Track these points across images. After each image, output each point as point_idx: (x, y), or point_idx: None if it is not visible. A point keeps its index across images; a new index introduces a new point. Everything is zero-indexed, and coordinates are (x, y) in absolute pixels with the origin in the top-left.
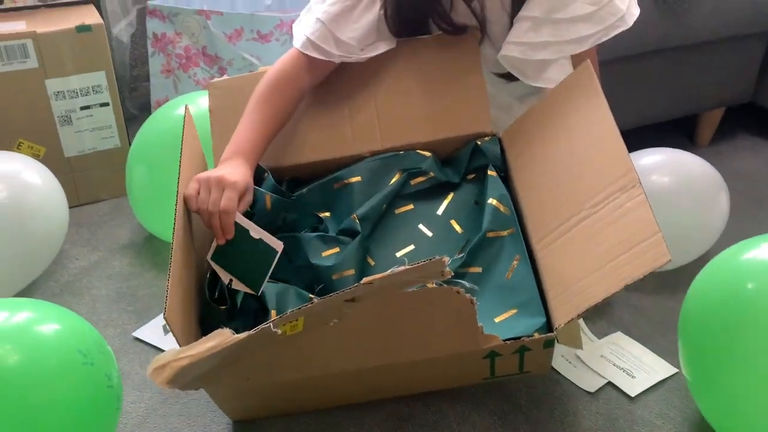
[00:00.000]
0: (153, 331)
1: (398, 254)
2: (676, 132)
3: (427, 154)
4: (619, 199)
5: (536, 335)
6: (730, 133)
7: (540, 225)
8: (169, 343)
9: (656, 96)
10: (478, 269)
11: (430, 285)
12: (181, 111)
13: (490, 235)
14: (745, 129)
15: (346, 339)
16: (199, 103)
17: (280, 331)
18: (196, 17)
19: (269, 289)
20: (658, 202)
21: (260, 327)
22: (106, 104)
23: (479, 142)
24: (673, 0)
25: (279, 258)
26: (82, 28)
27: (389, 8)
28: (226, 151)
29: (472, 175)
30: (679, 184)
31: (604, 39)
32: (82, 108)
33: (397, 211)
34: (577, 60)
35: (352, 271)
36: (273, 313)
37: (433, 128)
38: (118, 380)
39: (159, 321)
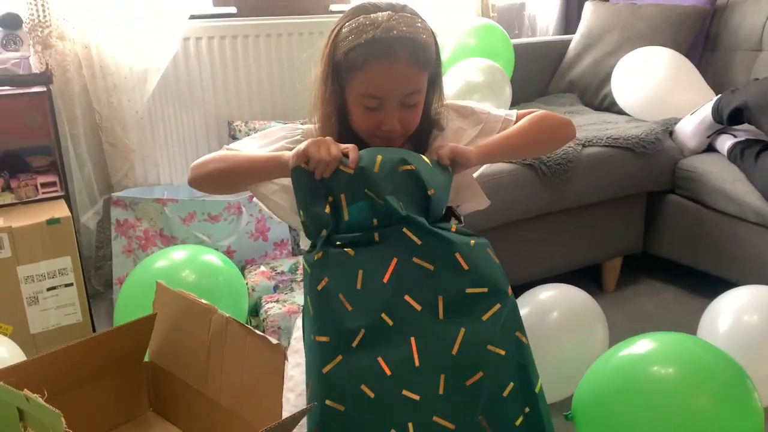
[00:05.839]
0: None
1: None
2: (585, 280)
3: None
4: None
5: None
6: (633, 278)
7: None
8: None
9: (558, 250)
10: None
11: None
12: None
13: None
14: (645, 274)
15: None
16: None
17: None
18: (154, 205)
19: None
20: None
21: None
22: (70, 284)
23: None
24: (551, 173)
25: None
26: (52, 221)
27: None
28: (272, 158)
29: None
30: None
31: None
32: (49, 289)
33: None
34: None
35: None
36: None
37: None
38: None
39: None
